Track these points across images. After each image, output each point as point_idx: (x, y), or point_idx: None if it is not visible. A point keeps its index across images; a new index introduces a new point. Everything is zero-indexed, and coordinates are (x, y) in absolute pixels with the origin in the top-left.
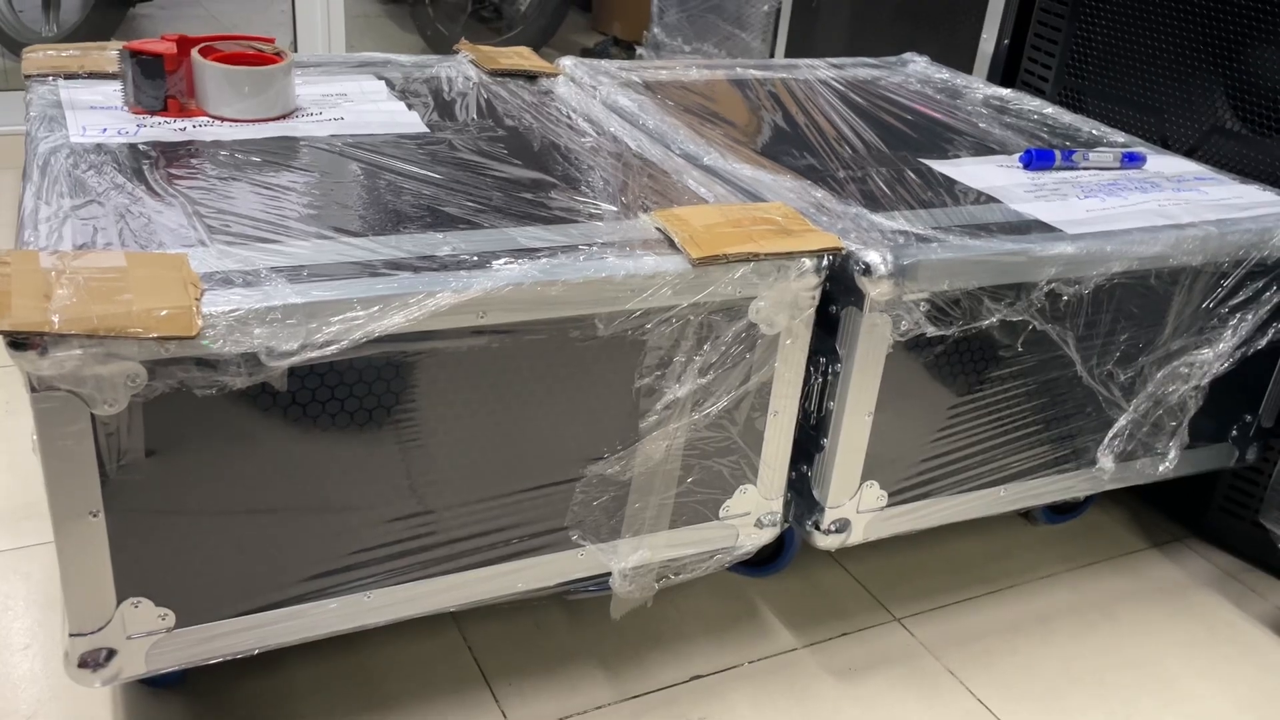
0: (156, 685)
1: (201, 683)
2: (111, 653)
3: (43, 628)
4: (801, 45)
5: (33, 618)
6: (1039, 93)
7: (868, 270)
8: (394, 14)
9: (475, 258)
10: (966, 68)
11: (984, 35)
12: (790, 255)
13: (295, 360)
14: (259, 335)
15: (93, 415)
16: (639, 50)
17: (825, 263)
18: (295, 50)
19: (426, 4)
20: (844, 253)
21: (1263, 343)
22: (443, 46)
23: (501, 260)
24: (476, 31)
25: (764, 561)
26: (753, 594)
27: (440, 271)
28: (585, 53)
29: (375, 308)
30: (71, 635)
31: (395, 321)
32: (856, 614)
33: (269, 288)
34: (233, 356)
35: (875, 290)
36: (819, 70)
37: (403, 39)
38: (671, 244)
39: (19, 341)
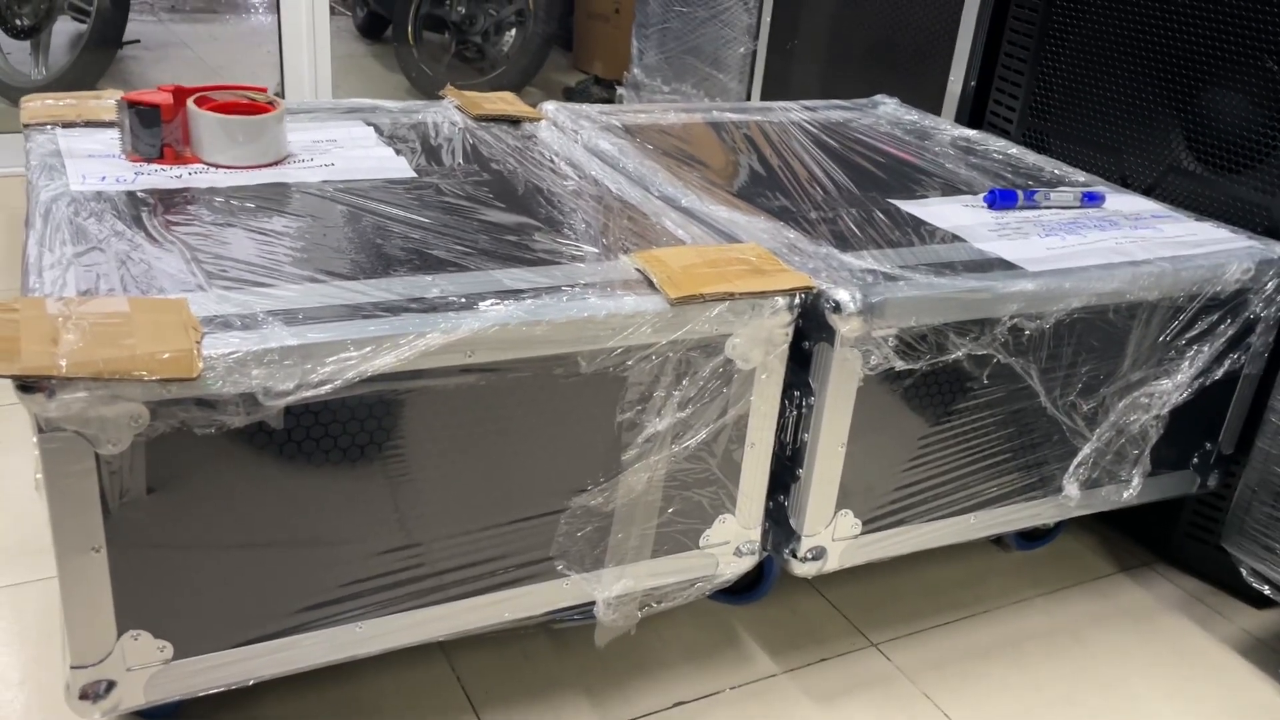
0: (151, 717)
1: (195, 714)
2: (111, 684)
3: (37, 664)
4: (777, 86)
5: (28, 654)
6: (1004, 133)
7: (838, 308)
8: (379, 55)
9: (463, 299)
10: (935, 108)
11: (951, 77)
12: (764, 294)
13: (291, 399)
14: (257, 376)
15: (97, 454)
16: (619, 90)
17: (797, 301)
18: (282, 93)
19: (411, 45)
20: (815, 291)
21: (1219, 373)
22: (427, 87)
23: (488, 301)
24: (460, 72)
25: (744, 589)
26: (734, 621)
27: (430, 313)
28: (567, 92)
29: (368, 348)
30: (73, 668)
31: (387, 361)
32: (835, 640)
33: (266, 330)
34: (231, 397)
35: (845, 327)
36: (792, 112)
37: (388, 79)
38: (651, 284)
39: (28, 385)
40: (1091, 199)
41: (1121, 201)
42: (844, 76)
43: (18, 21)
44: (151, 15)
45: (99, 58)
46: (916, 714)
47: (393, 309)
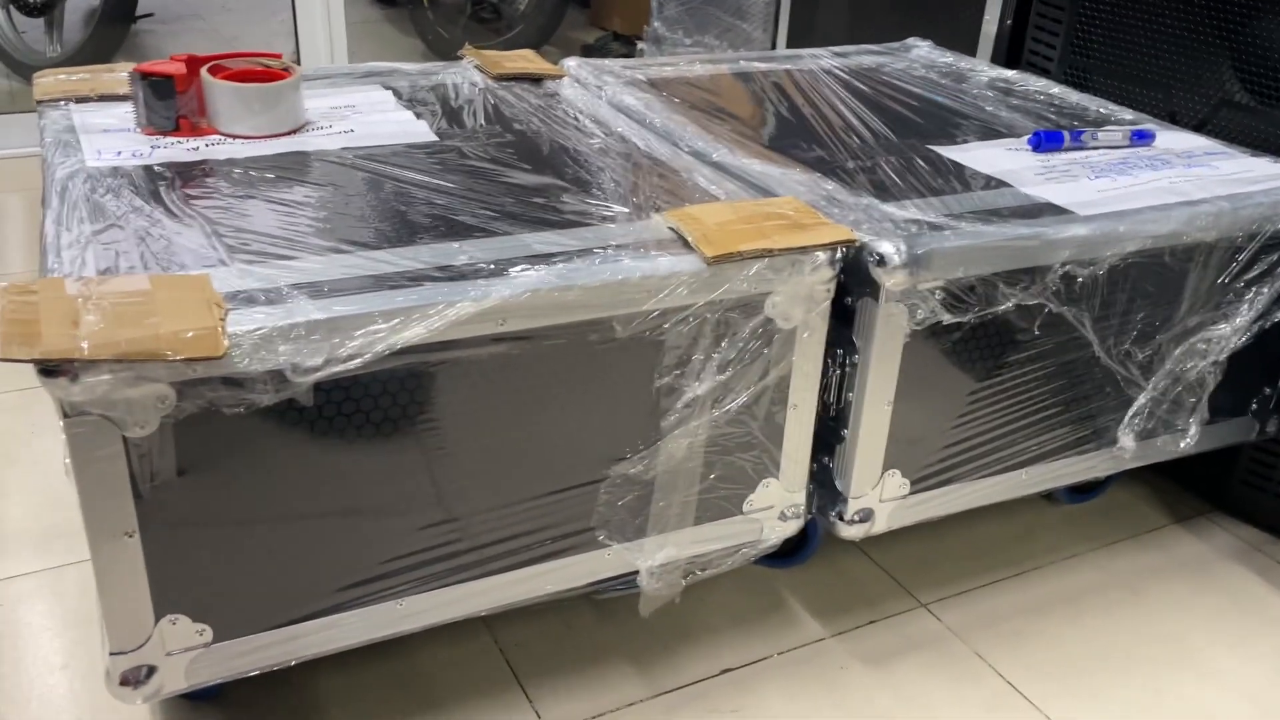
0: (194, 698)
1: (238, 693)
2: (152, 669)
3: (80, 646)
4: (803, 34)
5: (69, 637)
6: (1044, 73)
7: (882, 261)
8: (394, 19)
9: (492, 266)
10: (970, 50)
11: (986, 17)
12: (804, 250)
13: (320, 375)
14: (284, 352)
15: (124, 438)
16: (640, 45)
17: (839, 255)
18: (298, 60)
19: (426, 7)
20: (857, 245)
21: (1279, 315)
22: (443, 49)
23: (518, 267)
24: (476, 33)
25: (789, 552)
26: (779, 585)
27: (459, 281)
28: (586, 49)
29: (396, 320)
30: (112, 654)
31: (416, 333)
32: (883, 601)
33: (291, 305)
34: (259, 374)
35: (890, 281)
36: (822, 60)
37: (403, 43)
38: (685, 243)
39: (50, 369)
40: (1141, 137)
41: (1172, 139)
42: (872, 21)
43: None
44: None
45: (114, 32)
46: (970, 673)
47: (420, 278)
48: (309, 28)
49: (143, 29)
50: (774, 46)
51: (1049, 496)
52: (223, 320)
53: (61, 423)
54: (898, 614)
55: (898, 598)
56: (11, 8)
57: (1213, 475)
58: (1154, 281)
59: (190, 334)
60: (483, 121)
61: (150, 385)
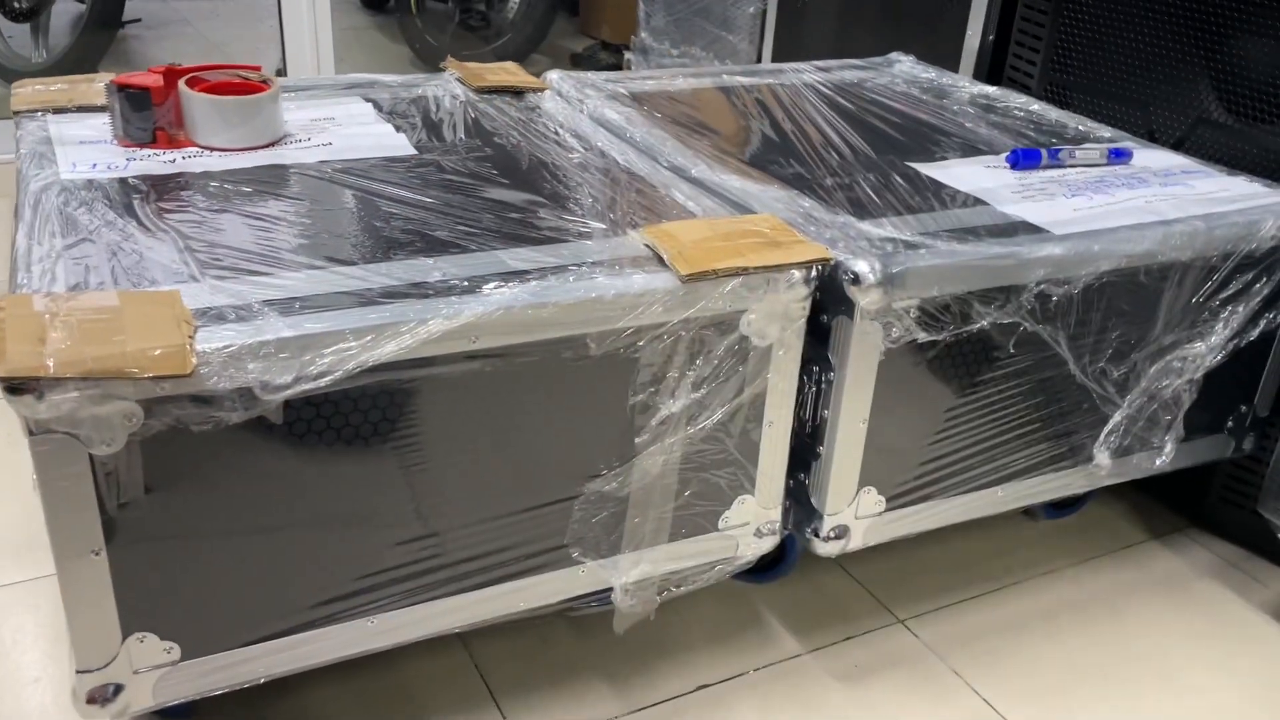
0: (165, 715)
1: (210, 710)
2: (119, 688)
3: (52, 660)
4: (788, 46)
5: (42, 650)
6: (1025, 89)
7: (857, 280)
8: (382, 25)
9: (465, 283)
10: (953, 65)
11: (969, 31)
12: (779, 268)
13: (290, 393)
14: (253, 370)
15: (91, 455)
16: (627, 55)
17: (814, 273)
18: (284, 67)
19: (414, 15)
20: (833, 263)
21: (1255, 334)
22: (432, 57)
23: (492, 284)
24: (465, 40)
25: (766, 568)
26: (756, 601)
27: (431, 298)
28: (574, 58)
29: (368, 338)
30: (79, 672)
31: (388, 350)
32: (860, 617)
33: (261, 322)
34: (228, 392)
35: (865, 299)
36: (805, 74)
37: (392, 50)
38: (661, 261)
39: (15, 386)
40: (1118, 155)
41: (1150, 157)
42: (858, 34)
43: (17, 4)
44: None
45: (100, 38)
46: (946, 690)
47: (393, 295)
48: (295, 34)
49: (130, 34)
50: (760, 58)
51: (1027, 512)
52: (191, 338)
53: (27, 440)
54: (875, 630)
55: (875, 614)
56: None
57: (1191, 492)
58: (1129, 300)
59: (158, 351)
60: (462, 135)
61: (117, 403)
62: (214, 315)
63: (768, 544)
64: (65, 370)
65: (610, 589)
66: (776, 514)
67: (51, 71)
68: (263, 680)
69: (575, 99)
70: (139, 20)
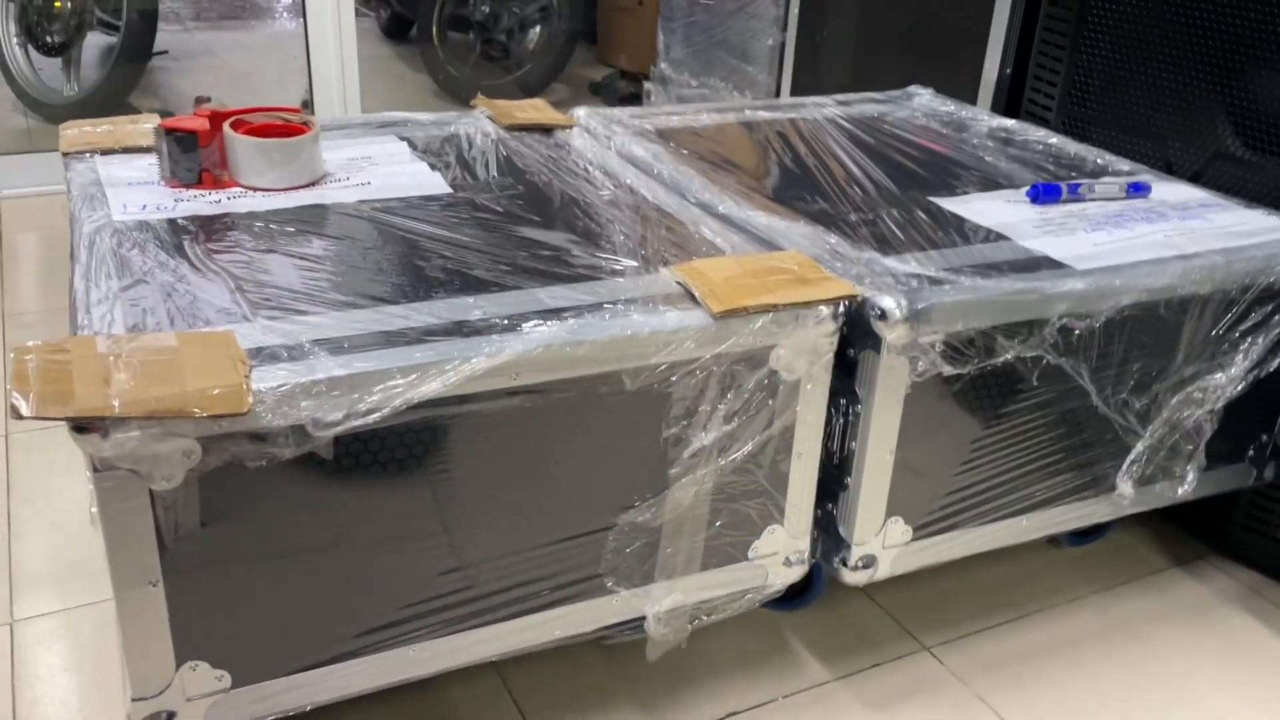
0: None
1: None
2: (171, 715)
3: (97, 688)
4: (807, 78)
5: (87, 677)
6: (1043, 121)
7: (883, 315)
8: (404, 55)
9: (505, 321)
10: (970, 97)
11: (987, 64)
12: (807, 304)
13: (340, 429)
14: (305, 408)
15: (150, 490)
16: (646, 85)
17: (841, 309)
18: (311, 95)
19: (436, 45)
20: (859, 299)
21: (1274, 364)
22: (454, 87)
23: (531, 323)
24: (486, 70)
25: (794, 596)
26: (784, 628)
27: (473, 336)
28: (593, 86)
29: (414, 375)
30: (134, 699)
31: (433, 388)
32: (886, 644)
33: (312, 361)
34: (281, 429)
35: (891, 334)
36: (826, 108)
37: (414, 80)
38: (692, 298)
39: (82, 426)
40: (1137, 189)
41: (1168, 190)
42: (876, 67)
43: (49, 39)
44: (178, 24)
45: (130, 71)
46: (973, 717)
47: (436, 333)
48: (322, 65)
49: (157, 65)
50: (778, 90)
51: (1052, 540)
52: (247, 377)
53: (90, 476)
54: (901, 657)
55: (901, 641)
56: (30, 47)
57: (1213, 520)
58: (1150, 333)
59: (216, 391)
60: (495, 173)
61: (177, 440)
62: (267, 355)
63: (796, 573)
64: (130, 410)
65: (643, 617)
66: (805, 543)
67: (84, 104)
68: (308, 708)
69: (603, 135)
70: (165, 52)
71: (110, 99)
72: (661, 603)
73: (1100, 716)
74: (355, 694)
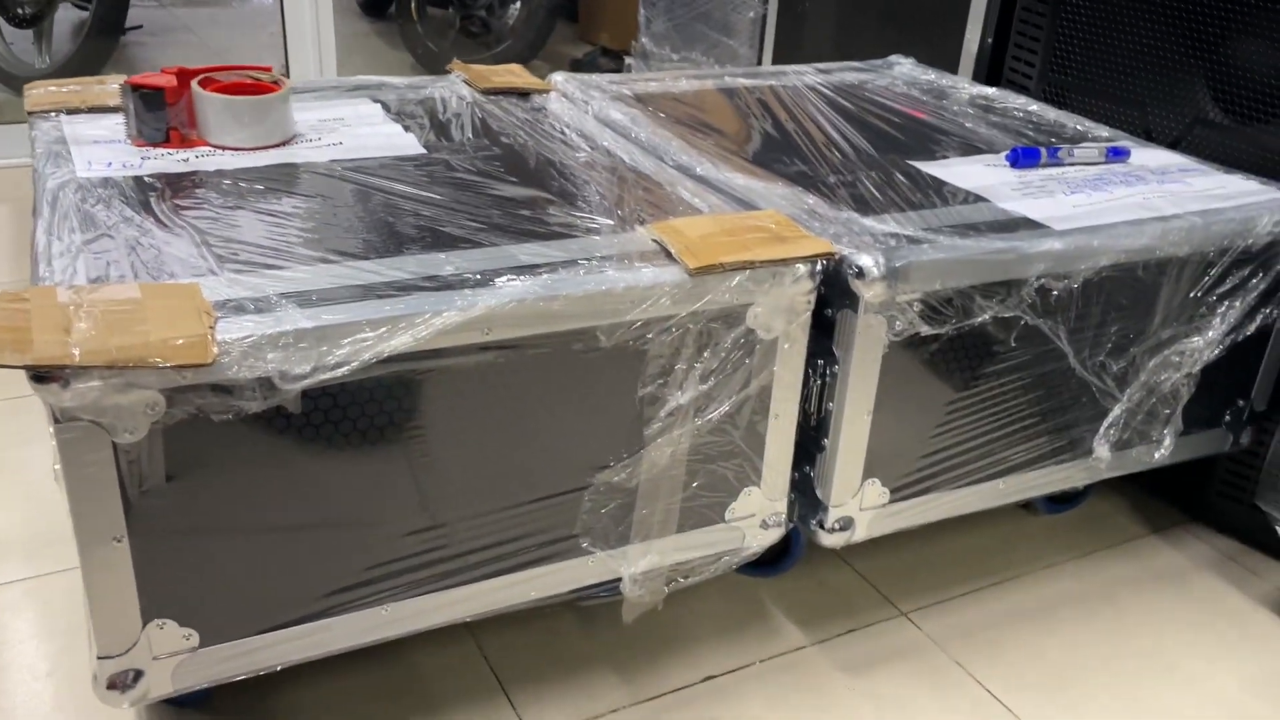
0: (182, 704)
1: (226, 699)
2: (139, 674)
3: (66, 654)
4: (788, 50)
5: (56, 644)
6: (1024, 90)
7: (861, 274)
8: (383, 32)
9: (478, 276)
10: (952, 67)
11: (968, 34)
12: (785, 261)
13: (308, 383)
14: (272, 360)
15: (114, 443)
16: (627, 60)
17: (819, 268)
18: (287, 73)
19: (415, 21)
20: (837, 257)
21: (1251, 328)
22: (433, 63)
23: (504, 277)
24: (465, 47)
25: (771, 561)
26: (762, 594)
27: (445, 291)
28: (574, 64)
29: (384, 329)
30: (99, 658)
31: (403, 341)
32: (864, 610)
33: (280, 313)
34: (247, 381)
35: (869, 293)
36: (806, 76)
37: (393, 56)
38: (668, 255)
39: (42, 375)
40: (1116, 154)
41: (1147, 156)
42: (857, 38)
43: (20, 10)
44: (153, 0)
45: (102, 45)
46: (949, 682)
47: (407, 288)
48: (298, 41)
49: (132, 40)
50: (760, 63)
51: (1028, 506)
52: (212, 328)
53: (52, 428)
54: (878, 622)
55: (878, 606)
56: (1, 19)
57: (1189, 486)
58: (1128, 295)
59: (180, 341)
60: (470, 135)
61: (140, 392)
62: (233, 307)
63: (773, 535)
64: (90, 359)
65: (619, 579)
66: (782, 505)
67: (55, 77)
68: (279, 668)
69: (580, 100)
70: (140, 27)
71: (81, 72)
72: (637, 564)
73: (1076, 681)
74: (327, 654)
